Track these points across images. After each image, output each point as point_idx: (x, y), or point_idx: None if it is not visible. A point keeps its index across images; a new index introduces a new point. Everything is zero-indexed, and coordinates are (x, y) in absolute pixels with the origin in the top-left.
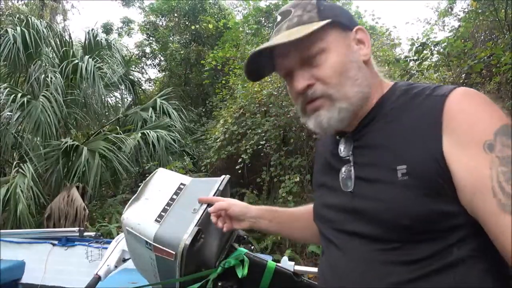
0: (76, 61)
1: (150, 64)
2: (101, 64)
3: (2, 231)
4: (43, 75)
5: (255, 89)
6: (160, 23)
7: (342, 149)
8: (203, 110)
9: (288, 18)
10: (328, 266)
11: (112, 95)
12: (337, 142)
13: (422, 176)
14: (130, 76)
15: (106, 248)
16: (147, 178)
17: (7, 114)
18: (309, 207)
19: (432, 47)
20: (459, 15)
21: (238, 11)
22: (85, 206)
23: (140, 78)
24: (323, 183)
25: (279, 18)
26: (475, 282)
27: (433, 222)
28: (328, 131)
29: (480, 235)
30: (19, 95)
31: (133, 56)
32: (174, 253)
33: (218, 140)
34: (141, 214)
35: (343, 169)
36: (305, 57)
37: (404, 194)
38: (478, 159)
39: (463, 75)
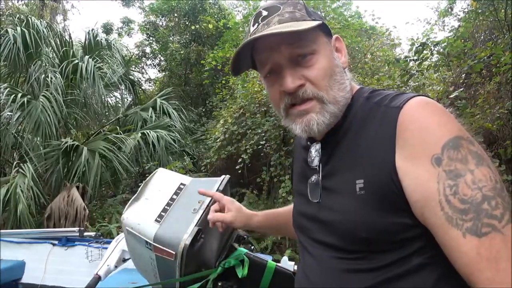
0: (76, 61)
1: (150, 64)
2: (101, 64)
3: (2, 231)
4: (43, 75)
5: (255, 89)
6: (160, 23)
7: (312, 157)
8: (203, 110)
9: (277, 13)
10: (302, 273)
11: (112, 95)
12: (308, 148)
13: (377, 191)
14: (130, 76)
15: (106, 248)
16: (147, 178)
17: (7, 114)
18: None
19: (432, 47)
20: (459, 15)
21: (238, 11)
22: (85, 206)
23: (140, 78)
24: (299, 191)
25: (264, 12)
26: (432, 286)
27: (390, 235)
28: (313, 135)
29: (437, 243)
30: (19, 95)
31: (133, 56)
32: (174, 253)
33: (218, 140)
34: (141, 214)
35: (312, 178)
36: (297, 54)
37: (361, 208)
38: (426, 173)
39: (463, 75)
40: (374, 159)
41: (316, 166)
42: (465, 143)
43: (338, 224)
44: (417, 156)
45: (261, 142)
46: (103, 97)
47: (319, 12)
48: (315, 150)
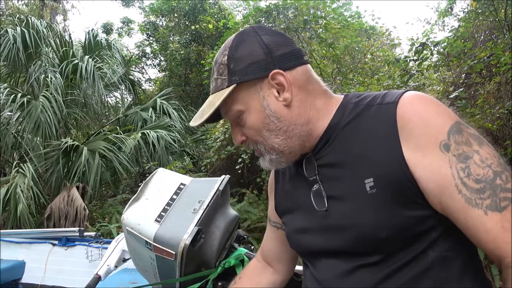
0: (76, 61)
1: (150, 64)
2: (101, 64)
3: (2, 231)
4: (43, 75)
5: None
6: (160, 23)
7: (307, 170)
8: None
9: (212, 77)
10: (313, 281)
11: (112, 95)
12: (300, 162)
13: (390, 186)
14: (130, 76)
15: (106, 248)
16: (147, 178)
17: (7, 114)
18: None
19: (432, 47)
20: (459, 15)
21: (238, 11)
22: (85, 206)
23: (140, 78)
24: (293, 208)
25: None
26: (454, 282)
27: (407, 229)
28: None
29: (452, 234)
30: (19, 95)
31: (133, 56)
32: (174, 253)
33: (218, 140)
34: (141, 214)
35: (313, 188)
36: (231, 119)
37: (375, 207)
38: (437, 160)
39: (463, 75)
40: (379, 155)
41: (315, 176)
42: (463, 127)
43: (352, 227)
44: (425, 145)
45: None
46: (103, 97)
47: (318, 12)
48: (309, 161)
